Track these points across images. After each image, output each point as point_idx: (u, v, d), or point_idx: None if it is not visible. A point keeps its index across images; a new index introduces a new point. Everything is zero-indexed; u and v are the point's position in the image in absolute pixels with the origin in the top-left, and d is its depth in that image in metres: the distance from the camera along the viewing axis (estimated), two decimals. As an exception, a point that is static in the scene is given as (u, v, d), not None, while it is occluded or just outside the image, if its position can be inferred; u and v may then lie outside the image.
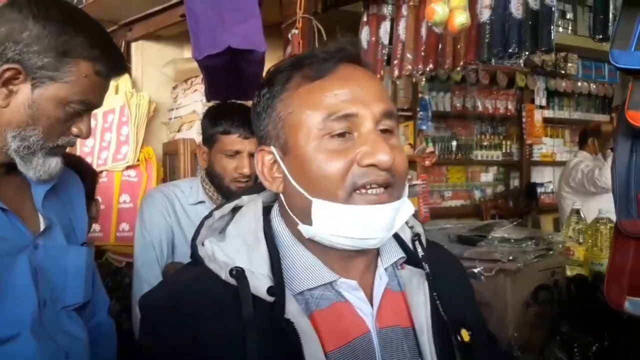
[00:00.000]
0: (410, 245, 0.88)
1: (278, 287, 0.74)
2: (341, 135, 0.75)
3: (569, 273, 1.93)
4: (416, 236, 0.89)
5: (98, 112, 3.25)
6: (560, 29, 4.79)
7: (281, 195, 0.81)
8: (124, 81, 3.19)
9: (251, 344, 0.70)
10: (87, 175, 2.04)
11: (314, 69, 0.78)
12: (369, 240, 0.77)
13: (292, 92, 0.78)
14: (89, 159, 3.17)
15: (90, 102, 1.07)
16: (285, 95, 0.79)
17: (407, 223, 0.89)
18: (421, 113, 4.04)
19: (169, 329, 0.75)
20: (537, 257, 1.78)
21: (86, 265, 1.16)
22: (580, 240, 2.09)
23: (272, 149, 0.80)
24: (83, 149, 3.21)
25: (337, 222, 0.75)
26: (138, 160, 3.02)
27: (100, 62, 1.05)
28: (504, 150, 4.95)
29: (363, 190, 0.74)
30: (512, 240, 1.86)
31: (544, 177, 5.28)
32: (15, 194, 1.10)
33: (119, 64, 1.11)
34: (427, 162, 3.92)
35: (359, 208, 0.74)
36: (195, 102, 3.07)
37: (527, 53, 1.77)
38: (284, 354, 0.71)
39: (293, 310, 0.74)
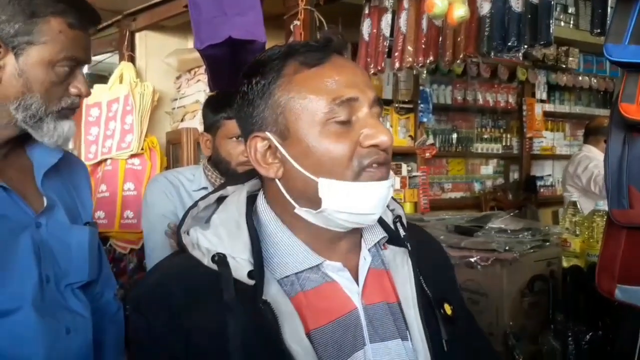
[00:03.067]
0: (392, 226, 0.92)
1: (258, 270, 0.77)
2: (343, 123, 0.79)
3: (565, 264, 1.96)
4: (397, 218, 0.93)
5: (102, 101, 3.28)
6: (562, 23, 4.78)
7: (278, 182, 0.83)
8: (128, 70, 3.22)
9: (233, 327, 0.73)
10: None
11: (310, 57, 0.80)
12: (369, 215, 0.81)
13: (290, 79, 0.80)
14: (93, 147, 3.20)
15: (76, 58, 1.09)
16: (283, 81, 0.80)
17: (388, 206, 0.93)
18: (422, 105, 4.06)
19: (158, 319, 0.78)
20: (533, 248, 1.82)
21: (89, 245, 1.18)
22: (577, 232, 2.12)
23: (268, 134, 0.81)
24: (87, 137, 3.24)
25: (344, 198, 0.78)
26: (142, 148, 3.05)
27: (70, 15, 1.06)
28: (504, 144, 4.96)
29: (368, 169, 0.79)
30: (509, 231, 1.90)
31: (544, 171, 5.30)
32: (18, 174, 1.13)
33: (88, 12, 1.12)
34: (427, 154, 3.94)
35: (365, 184, 0.79)
36: (198, 92, 3.10)
37: (526, 47, 1.78)
38: (264, 334, 0.74)
39: (274, 292, 0.77)
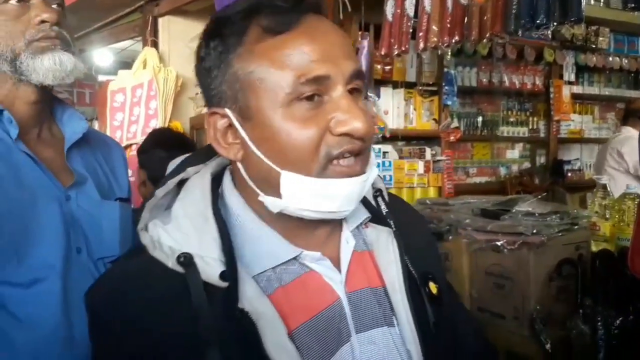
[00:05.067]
0: (372, 201, 0.83)
1: (230, 270, 0.67)
2: (310, 98, 0.67)
3: (594, 248, 1.92)
4: (378, 192, 0.84)
5: (127, 87, 3.32)
6: (592, 1, 4.63)
7: (239, 164, 0.73)
8: (151, 56, 3.24)
9: (205, 336, 0.64)
10: (191, 150, 2.27)
11: (276, 20, 0.67)
12: (339, 213, 0.72)
13: (251, 47, 0.68)
14: (118, 133, 3.24)
15: None
16: (243, 49, 0.68)
17: None
18: (446, 88, 3.99)
19: (116, 332, 0.68)
20: (561, 232, 1.78)
21: (120, 220, 1.20)
22: (607, 216, 2.07)
23: (227, 111, 0.70)
24: (113, 122, 3.29)
25: (308, 196, 0.69)
26: (166, 134, 3.07)
27: None
28: (530, 127, 4.86)
29: (336, 162, 0.68)
30: (537, 214, 1.86)
31: (571, 155, 5.18)
32: (49, 148, 1.15)
33: None
34: (452, 138, 3.88)
35: (332, 182, 0.68)
36: (221, 76, 3.10)
37: (555, 24, 1.74)
38: (242, 342, 0.65)
39: (250, 293, 0.67)
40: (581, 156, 5.24)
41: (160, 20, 3.43)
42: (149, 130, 3.09)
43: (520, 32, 1.82)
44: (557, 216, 1.83)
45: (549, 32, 1.75)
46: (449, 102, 4.02)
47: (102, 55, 4.44)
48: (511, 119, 4.77)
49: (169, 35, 3.44)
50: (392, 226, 0.81)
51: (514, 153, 4.86)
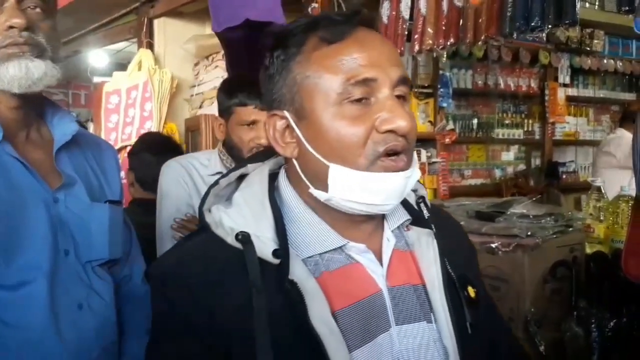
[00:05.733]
0: (415, 207, 0.90)
1: (283, 249, 0.75)
2: (359, 100, 0.75)
3: (588, 250, 1.92)
4: (420, 198, 0.91)
5: (122, 89, 3.31)
6: (587, 4, 4.64)
7: (294, 161, 0.81)
8: (146, 58, 3.24)
9: (258, 306, 0.72)
10: (177, 154, 2.23)
11: (331, 31, 0.76)
12: (383, 206, 0.78)
13: (309, 55, 0.77)
14: (113, 134, 3.24)
15: None
16: (302, 57, 0.77)
17: None
18: (442, 90, 4.00)
19: (179, 296, 0.77)
20: (556, 234, 1.78)
21: (110, 222, 1.18)
22: (601, 218, 2.07)
23: (286, 113, 0.79)
24: (108, 124, 3.28)
25: (354, 189, 0.75)
26: (161, 135, 3.06)
27: None
28: (525, 129, 4.88)
29: (384, 159, 0.75)
30: (531, 217, 1.86)
31: (566, 157, 5.20)
32: (37, 150, 1.14)
33: None
34: (447, 140, 3.90)
35: (378, 175, 0.75)
36: (216, 78, 3.10)
37: (550, 26, 1.74)
38: (290, 314, 0.72)
39: (299, 272, 0.75)
40: (576, 158, 5.26)
41: (156, 22, 3.43)
42: (144, 131, 3.08)
43: (515, 35, 1.82)
44: (551, 218, 1.83)
45: (544, 34, 1.76)
46: (444, 104, 4.03)
47: (97, 56, 4.42)
48: (506, 121, 4.78)
49: (165, 37, 3.43)
50: (433, 228, 0.86)
51: (509, 155, 4.87)
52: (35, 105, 1.16)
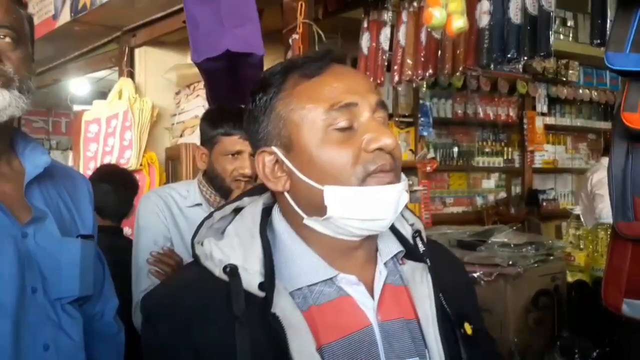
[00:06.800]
0: (411, 240, 0.89)
1: (268, 282, 0.75)
2: (344, 130, 0.78)
3: (569, 279, 1.93)
4: (417, 232, 0.90)
5: (102, 117, 3.28)
6: (561, 36, 4.80)
7: (286, 194, 0.82)
8: (127, 86, 3.22)
9: (242, 340, 0.72)
10: (133, 185, 2.47)
11: (309, 68, 0.80)
12: (380, 221, 0.79)
13: (291, 91, 0.80)
14: (92, 164, 3.19)
15: None
16: (284, 94, 0.80)
17: (407, 220, 0.91)
18: (422, 119, 4.05)
19: (168, 329, 0.77)
20: (537, 262, 1.79)
21: (81, 258, 1.15)
22: (581, 246, 2.09)
23: (274, 148, 0.81)
24: (87, 153, 3.24)
25: (351, 204, 0.77)
26: (141, 164, 3.05)
27: None
28: (505, 157, 4.95)
29: (375, 175, 0.77)
30: (512, 245, 1.87)
31: (546, 184, 5.28)
32: (7, 184, 1.10)
33: None
34: (428, 168, 3.92)
35: (373, 189, 0.77)
36: (197, 107, 3.10)
37: (525, 58, 1.78)
38: (272, 349, 0.72)
39: (285, 305, 0.75)
40: (555, 186, 5.34)
41: (137, 51, 3.43)
42: (123, 161, 3.05)
43: (492, 66, 1.86)
44: (532, 247, 1.84)
45: (520, 65, 1.80)
46: (425, 133, 4.08)
47: (78, 84, 4.40)
48: (486, 149, 4.85)
49: (146, 66, 3.43)
50: (428, 262, 0.86)
51: (489, 183, 4.93)
52: (4, 137, 1.13)
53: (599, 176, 3.44)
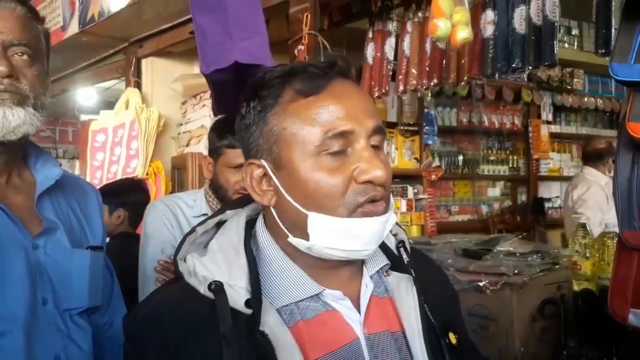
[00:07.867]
0: (395, 251, 0.89)
1: (255, 299, 0.74)
2: (336, 153, 0.76)
3: (575, 288, 1.92)
4: (400, 243, 0.90)
5: (108, 127, 3.31)
6: (566, 45, 4.80)
7: (272, 209, 0.80)
8: (134, 96, 3.25)
9: (229, 359, 0.70)
10: (145, 195, 2.66)
11: (307, 84, 0.77)
12: (362, 252, 0.78)
13: (286, 107, 0.77)
14: (98, 173, 3.21)
15: None
16: (279, 109, 0.77)
17: (390, 231, 0.89)
18: (427, 128, 4.06)
19: (151, 350, 0.76)
20: (543, 271, 1.78)
21: (90, 269, 1.16)
22: (587, 255, 2.08)
23: (263, 162, 0.79)
24: (93, 162, 3.26)
25: (334, 236, 0.75)
26: (147, 174, 3.07)
27: None
28: (510, 165, 4.94)
29: (363, 206, 0.76)
30: (518, 254, 1.86)
31: (552, 192, 5.26)
32: (18, 195, 1.11)
33: None
34: (433, 177, 3.93)
35: (358, 221, 0.75)
36: (203, 116, 3.12)
37: (530, 68, 1.79)
38: None
39: (272, 322, 0.74)
40: (561, 194, 5.31)
41: (144, 61, 3.46)
42: (130, 170, 3.07)
43: (496, 75, 1.87)
44: (538, 256, 1.83)
45: (525, 75, 1.81)
46: (430, 142, 4.08)
47: (86, 94, 4.43)
48: (491, 158, 4.84)
49: (152, 76, 3.46)
50: (412, 273, 0.85)
51: (495, 191, 4.92)
52: (16, 150, 1.14)
53: (579, 192, 3.36)
